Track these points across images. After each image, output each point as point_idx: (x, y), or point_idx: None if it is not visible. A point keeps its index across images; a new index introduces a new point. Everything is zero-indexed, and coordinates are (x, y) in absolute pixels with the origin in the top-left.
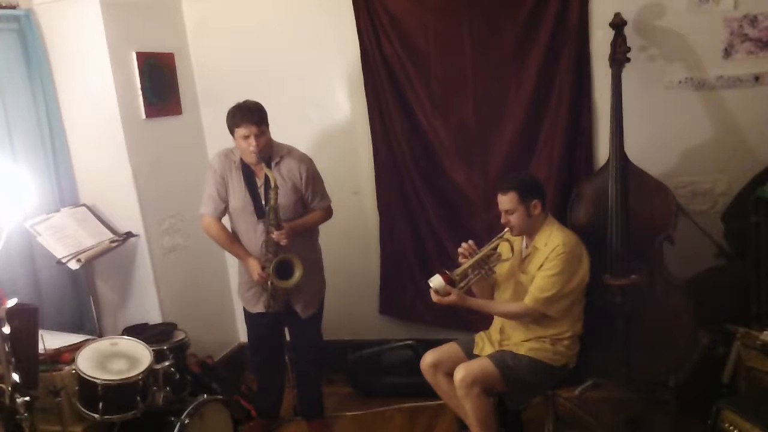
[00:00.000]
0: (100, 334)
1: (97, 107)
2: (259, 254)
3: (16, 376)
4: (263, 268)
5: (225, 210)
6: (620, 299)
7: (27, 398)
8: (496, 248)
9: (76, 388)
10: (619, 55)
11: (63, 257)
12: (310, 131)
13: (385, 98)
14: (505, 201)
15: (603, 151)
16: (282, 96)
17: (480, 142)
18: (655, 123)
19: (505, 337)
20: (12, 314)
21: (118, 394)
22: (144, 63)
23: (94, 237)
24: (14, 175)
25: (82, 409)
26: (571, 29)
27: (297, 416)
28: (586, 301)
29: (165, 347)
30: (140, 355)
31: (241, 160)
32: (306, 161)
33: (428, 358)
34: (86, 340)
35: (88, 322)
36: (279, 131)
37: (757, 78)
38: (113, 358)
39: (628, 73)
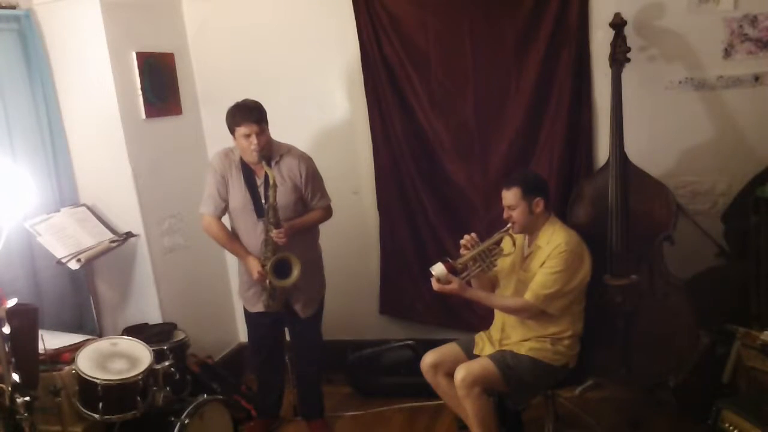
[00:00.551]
0: (100, 334)
1: (97, 107)
2: (259, 253)
3: (16, 376)
4: (263, 266)
5: (225, 209)
6: (620, 299)
7: (27, 398)
8: (498, 242)
9: (76, 388)
10: (619, 56)
11: (63, 257)
12: (310, 131)
13: (385, 98)
14: (509, 196)
15: (603, 151)
16: (282, 96)
17: (480, 142)
18: (655, 123)
19: (506, 336)
20: (12, 314)
21: (118, 394)
22: (144, 63)
23: (94, 237)
24: (14, 175)
25: (82, 409)
26: (571, 29)
27: (297, 416)
28: (587, 301)
29: (165, 347)
30: (140, 355)
31: (241, 159)
32: (306, 160)
33: (428, 359)
34: (86, 340)
35: (88, 322)
36: (279, 131)
37: (757, 78)
38: (113, 358)
39: (628, 73)
